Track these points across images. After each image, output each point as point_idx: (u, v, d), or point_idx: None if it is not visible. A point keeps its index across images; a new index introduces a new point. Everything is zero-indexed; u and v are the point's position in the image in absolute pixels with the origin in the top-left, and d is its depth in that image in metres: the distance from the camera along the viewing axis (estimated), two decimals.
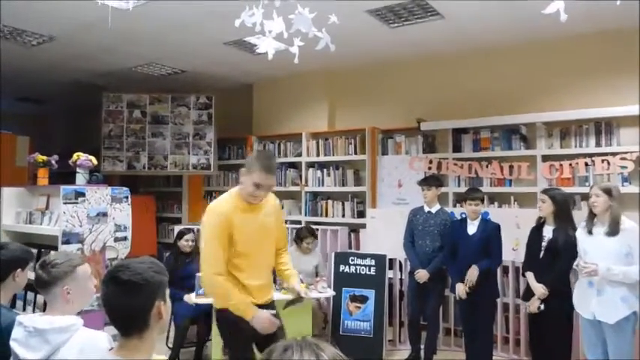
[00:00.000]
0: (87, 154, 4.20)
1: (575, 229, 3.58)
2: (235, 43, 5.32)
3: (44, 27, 4.94)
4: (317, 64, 5.78)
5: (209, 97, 6.86)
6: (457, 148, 5.52)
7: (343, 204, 6.07)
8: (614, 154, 4.68)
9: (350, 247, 5.83)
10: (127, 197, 4.15)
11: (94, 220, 3.93)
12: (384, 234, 5.05)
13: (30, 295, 3.87)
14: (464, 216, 4.58)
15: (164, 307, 1.51)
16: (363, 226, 5.64)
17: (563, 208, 3.65)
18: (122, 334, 1.47)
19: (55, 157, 4.39)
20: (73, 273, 1.95)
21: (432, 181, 4.64)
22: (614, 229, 3.20)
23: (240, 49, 5.53)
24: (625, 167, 4.61)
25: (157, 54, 5.85)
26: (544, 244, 3.67)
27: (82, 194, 3.89)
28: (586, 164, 4.80)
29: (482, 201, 4.24)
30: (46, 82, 7.12)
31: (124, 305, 1.45)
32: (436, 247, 4.42)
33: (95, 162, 4.25)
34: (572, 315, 3.67)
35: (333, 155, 6.20)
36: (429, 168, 5.54)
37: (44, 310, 2.04)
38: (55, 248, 3.78)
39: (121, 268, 1.47)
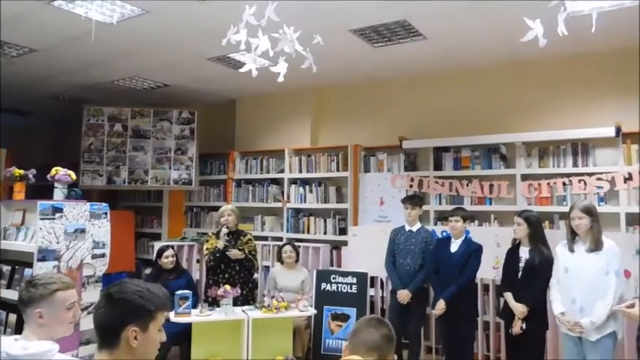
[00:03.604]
0: (66, 169, 4.13)
1: (548, 248, 3.66)
2: (219, 59, 5.32)
3: (25, 39, 4.88)
4: (301, 81, 5.81)
5: (192, 112, 6.84)
6: (438, 167, 5.58)
7: (325, 221, 6.06)
8: (590, 174, 4.79)
9: (332, 265, 5.81)
10: (105, 213, 4.09)
11: (72, 236, 3.85)
12: (366, 251, 5.05)
13: (1, 314, 3.76)
14: (446, 234, 4.61)
15: (141, 337, 1.49)
16: (345, 243, 5.63)
17: (537, 229, 3.73)
18: (97, 347, 1.52)
19: (33, 171, 4.30)
20: (50, 297, 1.88)
21: (417, 200, 4.67)
22: (596, 247, 3.26)
23: (223, 65, 5.54)
24: (601, 187, 4.71)
25: (140, 68, 5.82)
26: (521, 264, 3.72)
27: (60, 210, 3.82)
28: (564, 184, 4.89)
29: (465, 219, 4.25)
30: (25, 94, 7.01)
31: (99, 315, 1.52)
32: (417, 265, 4.42)
33: (74, 177, 4.18)
34: (546, 333, 3.77)
35: (316, 172, 6.21)
36: (411, 186, 5.58)
37: (16, 329, 1.97)
38: (30, 265, 3.70)
39: (116, 284, 1.56)
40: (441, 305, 4.08)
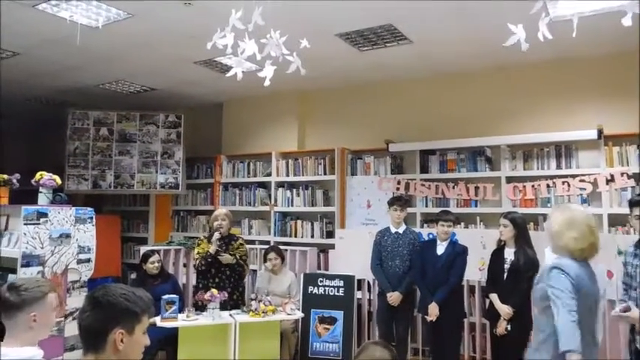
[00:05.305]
0: (50, 174, 4.10)
1: (533, 249, 3.69)
2: (205, 62, 5.32)
3: (9, 42, 4.83)
4: (288, 84, 5.83)
5: (178, 116, 6.81)
6: (424, 169, 5.61)
7: (312, 224, 6.06)
8: (573, 176, 4.86)
9: (319, 268, 5.81)
10: (91, 218, 4.06)
11: (57, 241, 3.82)
12: (353, 254, 5.07)
13: None
14: (432, 236, 4.65)
15: (127, 339, 1.50)
16: (332, 246, 5.64)
17: (522, 230, 3.78)
18: (83, 351, 1.52)
19: (17, 175, 4.25)
20: (43, 299, 1.89)
21: (404, 201, 4.70)
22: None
23: (210, 69, 5.53)
24: (584, 189, 4.78)
25: (126, 72, 5.79)
26: (507, 265, 3.76)
27: (45, 215, 3.79)
28: (548, 186, 4.95)
29: (454, 223, 4.31)
30: (8, 97, 6.92)
31: (84, 319, 1.52)
32: (406, 267, 4.44)
33: (59, 182, 4.14)
34: (530, 333, 3.78)
35: (303, 175, 6.21)
36: (398, 189, 5.61)
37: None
38: (14, 271, 3.65)
39: (100, 288, 1.56)
40: (435, 310, 4.07)
